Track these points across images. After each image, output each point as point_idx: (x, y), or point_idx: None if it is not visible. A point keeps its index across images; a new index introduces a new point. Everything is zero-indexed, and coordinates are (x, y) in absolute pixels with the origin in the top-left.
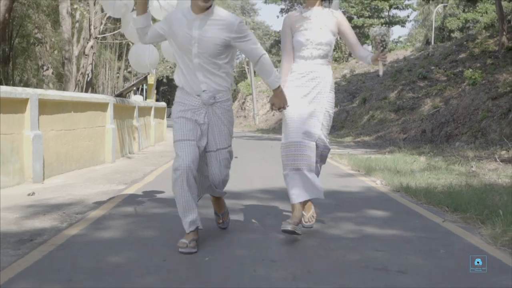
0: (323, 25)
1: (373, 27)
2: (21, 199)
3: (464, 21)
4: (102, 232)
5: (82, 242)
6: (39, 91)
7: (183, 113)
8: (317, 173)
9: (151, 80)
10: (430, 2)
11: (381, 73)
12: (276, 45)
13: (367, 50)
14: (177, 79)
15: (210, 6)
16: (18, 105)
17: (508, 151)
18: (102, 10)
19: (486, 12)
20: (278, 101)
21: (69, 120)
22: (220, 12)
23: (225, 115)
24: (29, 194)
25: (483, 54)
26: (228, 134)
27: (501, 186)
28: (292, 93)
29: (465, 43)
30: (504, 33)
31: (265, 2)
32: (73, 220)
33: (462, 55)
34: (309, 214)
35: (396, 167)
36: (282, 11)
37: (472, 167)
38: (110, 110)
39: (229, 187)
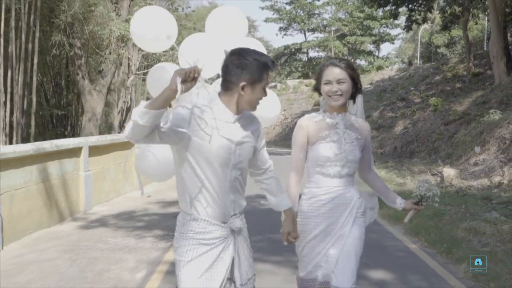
0: (354, 138)
1: (422, 184)
2: (145, 199)
3: (449, 38)
4: None
5: None
6: None
7: (202, 256)
8: None
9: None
10: (414, 24)
11: (407, 220)
12: (275, 60)
13: (388, 187)
14: (193, 207)
15: None
16: (127, 145)
17: (443, 167)
18: (139, 50)
19: (470, 29)
20: (295, 227)
21: None
22: None
23: (247, 235)
24: (148, 196)
25: (454, 78)
26: (252, 256)
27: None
28: (309, 225)
29: (441, 66)
30: (471, 60)
31: (266, 21)
32: None
33: (437, 78)
34: None
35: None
36: (280, 29)
37: (406, 179)
38: None
39: None
